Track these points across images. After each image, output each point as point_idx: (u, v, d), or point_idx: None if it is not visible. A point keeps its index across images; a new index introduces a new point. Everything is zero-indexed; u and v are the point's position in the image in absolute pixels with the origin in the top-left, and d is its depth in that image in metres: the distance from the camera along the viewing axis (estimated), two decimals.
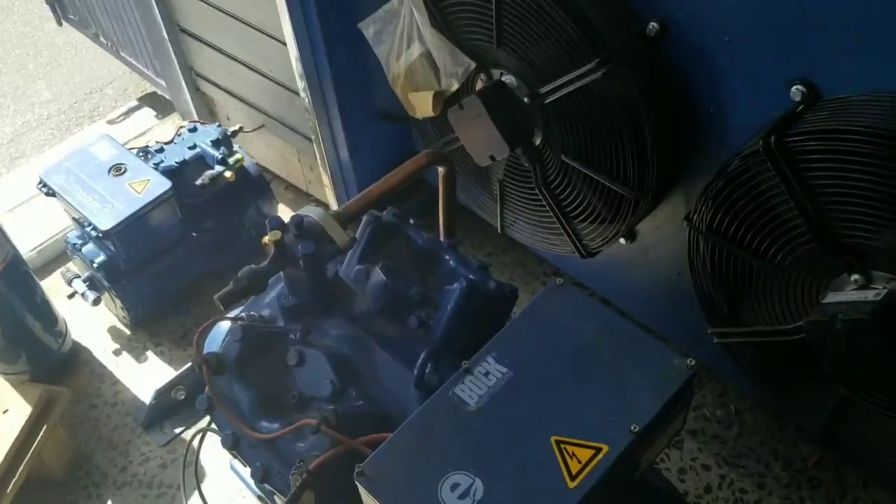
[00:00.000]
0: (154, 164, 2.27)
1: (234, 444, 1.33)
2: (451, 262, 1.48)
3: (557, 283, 1.25)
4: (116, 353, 2.39)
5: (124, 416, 2.23)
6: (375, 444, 1.12)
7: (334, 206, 2.56)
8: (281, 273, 1.40)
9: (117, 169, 2.22)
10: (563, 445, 1.05)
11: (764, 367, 1.72)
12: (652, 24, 1.53)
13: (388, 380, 1.33)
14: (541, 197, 1.91)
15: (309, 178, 2.67)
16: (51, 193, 2.20)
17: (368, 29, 1.95)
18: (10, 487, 1.88)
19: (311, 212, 1.39)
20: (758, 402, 2.09)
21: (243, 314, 1.44)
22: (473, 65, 1.82)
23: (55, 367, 2.30)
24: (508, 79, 1.79)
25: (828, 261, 1.40)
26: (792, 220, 1.42)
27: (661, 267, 1.95)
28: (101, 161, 2.24)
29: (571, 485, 1.02)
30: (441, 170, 1.63)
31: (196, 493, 1.79)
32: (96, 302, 2.30)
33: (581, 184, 1.80)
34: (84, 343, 2.42)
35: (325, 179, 2.51)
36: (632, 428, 1.06)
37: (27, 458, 1.93)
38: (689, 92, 1.59)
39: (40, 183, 2.22)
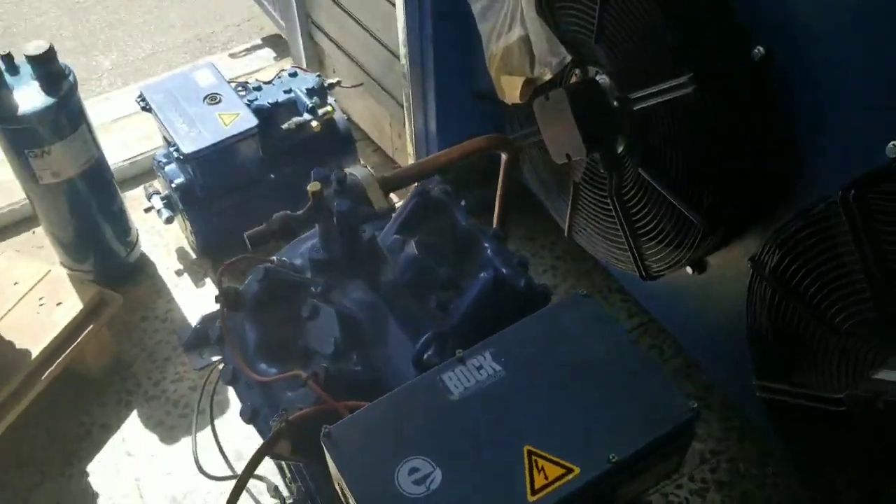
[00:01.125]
0: (248, 100, 2.31)
1: (232, 380, 1.34)
2: (489, 250, 1.44)
3: (580, 293, 1.19)
4: (178, 273, 2.47)
5: (170, 334, 2.30)
6: (355, 411, 1.10)
7: None
8: (316, 225, 1.40)
9: (212, 98, 2.28)
10: (534, 457, 1.00)
11: (801, 434, 1.59)
12: (758, 48, 1.43)
13: (394, 353, 1.30)
14: (612, 208, 1.83)
15: (396, 144, 2.67)
16: (147, 108, 2.29)
17: (476, 3, 1.92)
18: (45, 375, 1.97)
19: (357, 171, 1.38)
20: (800, 472, 1.96)
21: (274, 258, 1.45)
22: (569, 58, 1.76)
23: (119, 274, 2.39)
24: (602, 79, 1.72)
25: (888, 333, 1.27)
26: (857, 282, 1.30)
27: (725, 306, 1.84)
28: (199, 87, 2.31)
29: (531, 498, 0.97)
30: (504, 156, 1.58)
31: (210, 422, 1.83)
32: (169, 220, 2.38)
33: (654, 202, 1.72)
34: (151, 257, 2.51)
35: (410, 149, 2.50)
36: (610, 457, 0.99)
37: (68, 351, 2.02)
38: (783, 127, 1.48)
39: (140, 97, 2.30)
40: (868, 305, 1.29)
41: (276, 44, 3.46)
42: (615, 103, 1.69)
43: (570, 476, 0.99)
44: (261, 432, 1.29)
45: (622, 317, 2.34)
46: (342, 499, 1.09)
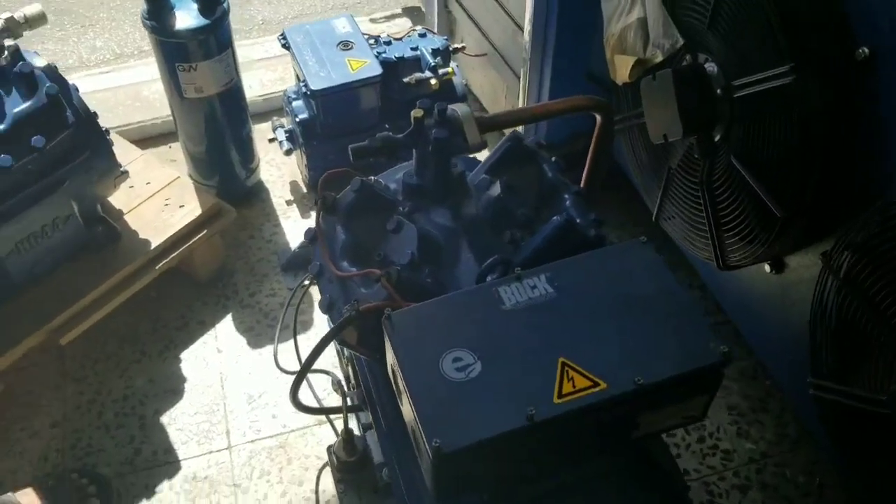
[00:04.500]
0: (377, 52, 2.48)
1: (318, 274, 1.49)
2: (568, 202, 1.53)
3: (642, 239, 1.27)
4: (288, 203, 2.67)
5: (271, 254, 2.50)
6: None
7: None
8: (414, 151, 1.53)
9: (345, 45, 2.46)
10: (567, 368, 1.10)
11: (850, 436, 1.61)
12: (863, 48, 1.46)
13: (461, 274, 1.41)
14: (700, 194, 1.89)
15: None
16: (286, 46, 2.49)
17: None
18: (159, 265, 2.20)
19: (458, 107, 1.49)
20: (847, 484, 1.95)
21: (372, 178, 1.59)
22: (681, 42, 1.82)
23: (237, 195, 2.61)
24: (710, 66, 1.77)
25: None
26: None
27: (797, 310, 1.86)
28: (335, 34, 2.49)
29: (557, 401, 1.07)
30: (599, 118, 1.66)
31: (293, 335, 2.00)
32: (288, 153, 2.57)
33: (741, 193, 1.76)
34: (267, 184, 2.72)
35: None
36: (636, 380, 1.07)
37: (183, 248, 2.24)
38: (878, 131, 1.50)
39: (282, 35, 2.51)
40: None
41: (414, 14, 3.64)
42: (719, 91, 1.74)
43: (596, 389, 1.08)
44: (334, 321, 1.43)
45: None
46: (392, 380, 1.21)
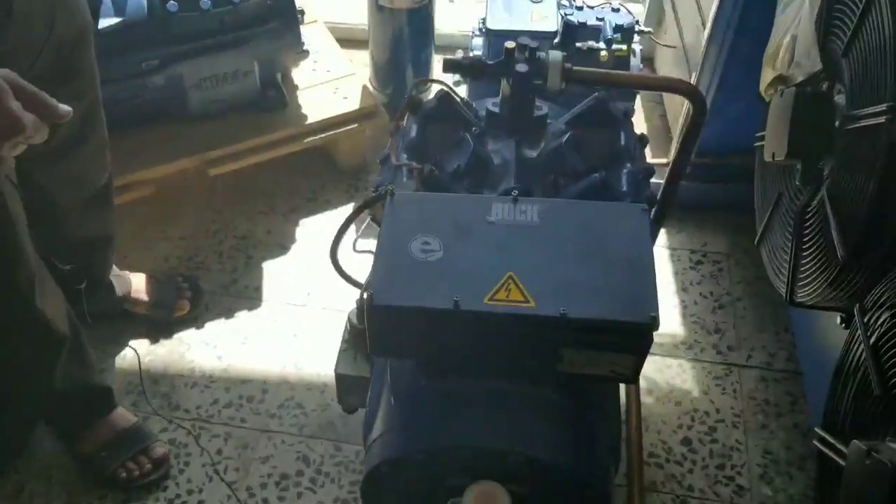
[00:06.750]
0: (564, 13, 2.59)
1: (383, 160, 1.69)
2: (624, 171, 1.60)
3: (642, 206, 1.33)
4: None
5: None
6: None
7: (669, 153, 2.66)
8: (503, 82, 1.66)
9: None
10: (511, 280, 1.21)
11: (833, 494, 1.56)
12: None
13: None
14: (793, 223, 1.85)
15: (677, 113, 2.77)
16: None
17: None
18: (307, 139, 2.50)
19: (553, 53, 1.60)
20: None
21: (465, 96, 1.74)
22: (820, 66, 1.78)
23: (398, 105, 2.85)
24: (840, 98, 1.73)
25: None
26: None
27: None
28: None
29: (486, 301, 1.19)
30: (691, 108, 1.69)
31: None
32: (457, 83, 2.76)
33: (824, 228, 1.72)
34: None
35: (680, 121, 2.60)
36: (562, 310, 1.17)
37: (331, 133, 2.53)
38: None
39: None
40: None
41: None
42: (837, 123, 1.70)
43: (524, 305, 1.18)
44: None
45: (782, 356, 2.30)
46: None
